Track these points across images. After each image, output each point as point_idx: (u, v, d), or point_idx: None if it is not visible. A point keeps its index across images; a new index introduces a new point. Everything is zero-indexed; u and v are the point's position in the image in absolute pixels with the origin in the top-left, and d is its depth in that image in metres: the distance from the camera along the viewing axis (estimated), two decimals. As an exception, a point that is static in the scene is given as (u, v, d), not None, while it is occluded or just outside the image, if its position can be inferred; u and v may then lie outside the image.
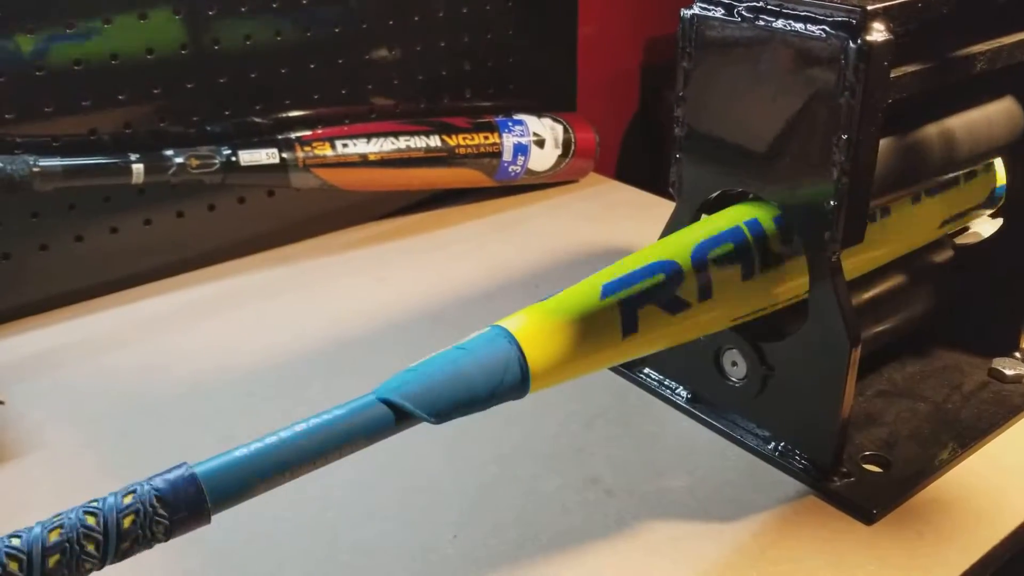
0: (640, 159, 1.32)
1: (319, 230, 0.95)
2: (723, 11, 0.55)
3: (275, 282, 0.87)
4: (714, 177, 0.59)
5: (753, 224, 0.55)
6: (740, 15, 0.54)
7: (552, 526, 0.57)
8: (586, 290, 0.50)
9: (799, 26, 0.51)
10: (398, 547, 0.55)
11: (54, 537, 0.37)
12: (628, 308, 0.50)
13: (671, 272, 0.52)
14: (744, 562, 0.54)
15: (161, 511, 0.39)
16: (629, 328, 0.50)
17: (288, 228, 0.93)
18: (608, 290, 0.50)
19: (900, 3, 0.51)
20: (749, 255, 0.55)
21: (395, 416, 0.44)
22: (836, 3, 0.50)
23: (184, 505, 0.39)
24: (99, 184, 0.78)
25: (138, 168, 0.78)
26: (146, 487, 0.39)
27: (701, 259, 0.53)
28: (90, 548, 0.38)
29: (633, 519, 0.57)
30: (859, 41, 0.49)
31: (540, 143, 1.01)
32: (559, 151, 1.03)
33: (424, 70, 0.98)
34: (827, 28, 0.50)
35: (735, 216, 0.56)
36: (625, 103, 1.32)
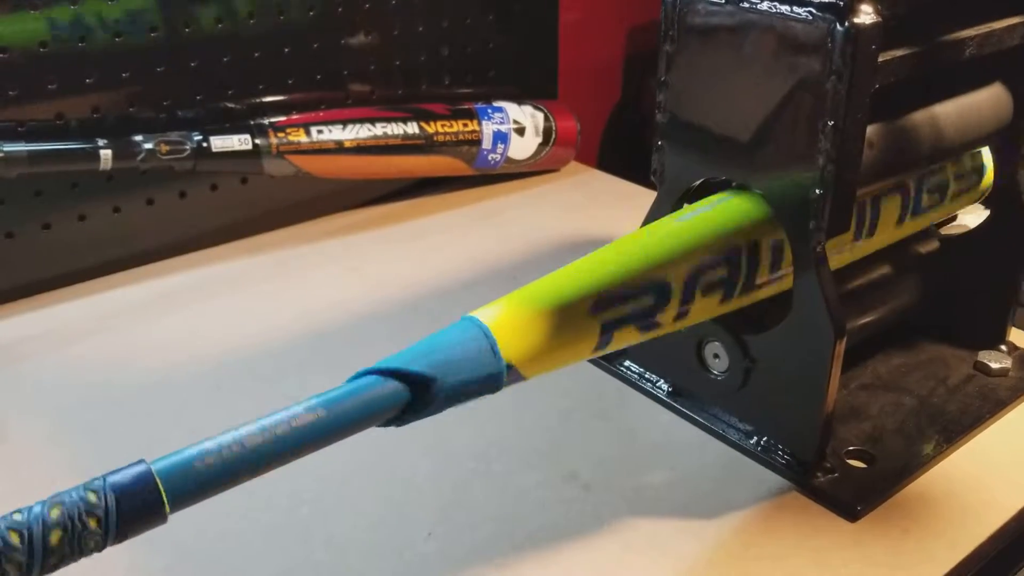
0: (622, 148, 1.31)
1: (293, 218, 0.93)
2: (707, -7, 0.54)
3: (248, 272, 0.85)
4: (697, 165, 0.58)
5: (752, 248, 0.54)
6: (724, -3, 0.53)
7: (529, 523, 0.55)
8: (576, 301, 0.48)
9: (784, 8, 0.50)
10: (372, 545, 0.54)
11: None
12: (608, 328, 0.49)
13: (660, 295, 0.50)
14: (725, 559, 0.53)
15: (115, 514, 0.37)
16: (603, 344, 0.49)
17: (261, 216, 0.91)
18: (599, 307, 0.48)
19: (888, -15, 0.49)
20: (734, 283, 0.53)
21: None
22: (823, -15, 0.48)
23: (140, 505, 0.37)
24: (66, 170, 0.76)
25: (106, 154, 0.75)
26: (101, 487, 0.37)
27: (692, 285, 0.51)
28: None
29: (612, 515, 0.56)
30: (846, 24, 0.48)
31: (520, 131, 1.00)
32: (539, 139, 1.01)
33: (402, 55, 0.96)
34: (813, 10, 0.49)
35: (739, 230, 0.54)
36: (608, 91, 1.30)
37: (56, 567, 0.36)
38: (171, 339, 0.74)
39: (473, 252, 0.88)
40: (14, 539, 0.35)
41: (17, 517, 0.36)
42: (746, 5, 0.52)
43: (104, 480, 0.38)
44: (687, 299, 0.51)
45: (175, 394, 0.67)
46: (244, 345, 0.73)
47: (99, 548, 0.37)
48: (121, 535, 0.37)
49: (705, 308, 0.53)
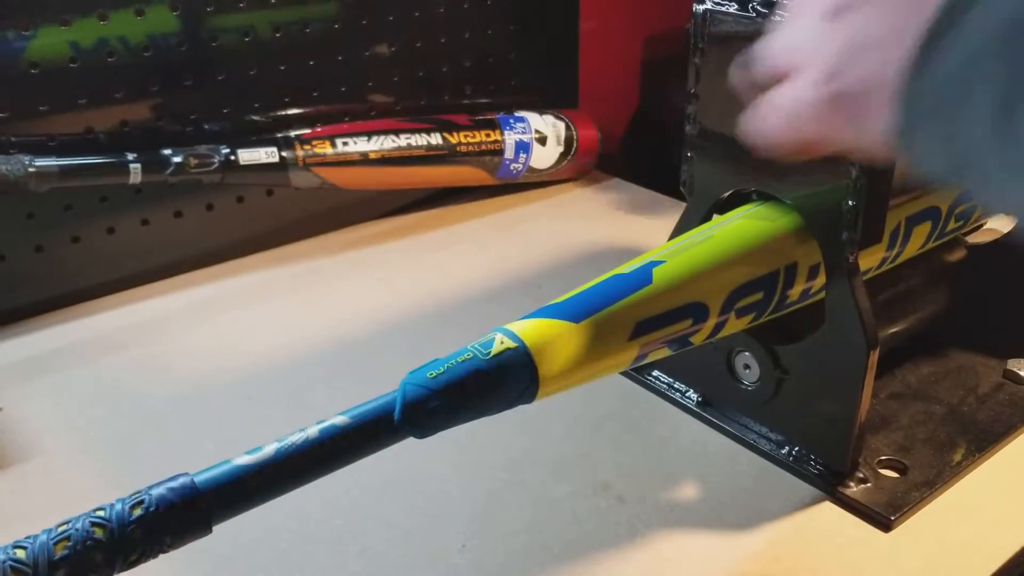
0: (643, 156, 1.31)
1: (319, 229, 0.94)
2: (737, 6, 0.54)
3: (275, 283, 0.86)
4: (727, 176, 0.58)
5: (789, 270, 0.54)
6: (755, 10, 0.53)
7: (563, 534, 0.55)
8: (617, 323, 0.48)
9: (816, 21, 0.50)
10: (406, 556, 0.54)
11: (60, 550, 0.36)
12: (645, 349, 0.49)
13: (698, 318, 0.50)
14: (758, 570, 0.53)
15: (163, 526, 0.37)
16: (638, 360, 0.50)
17: (288, 227, 0.92)
18: (639, 333, 0.48)
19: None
20: (769, 302, 0.53)
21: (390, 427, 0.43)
22: (855, -3, 0.49)
23: (185, 517, 0.38)
24: (96, 184, 0.77)
25: (136, 168, 0.76)
26: (149, 498, 0.38)
27: (728, 307, 0.51)
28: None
29: (645, 527, 0.56)
30: (879, 36, 0.48)
31: (542, 140, 1.00)
32: (561, 148, 1.02)
33: (425, 67, 0.97)
34: (846, 23, 0.49)
35: (777, 250, 0.54)
36: (627, 99, 1.30)
37: (135, 564, 0.38)
38: (201, 350, 0.75)
39: (497, 261, 0.89)
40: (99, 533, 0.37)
41: (101, 513, 0.37)
42: (775, 18, 0.52)
43: (147, 492, 0.39)
44: (722, 321, 0.52)
45: (207, 404, 0.68)
46: (274, 355, 0.74)
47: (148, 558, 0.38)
48: (167, 546, 0.38)
49: (735, 326, 0.53)
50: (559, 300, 0.48)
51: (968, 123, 0.27)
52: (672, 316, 0.49)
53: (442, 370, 0.43)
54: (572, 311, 0.47)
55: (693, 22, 0.56)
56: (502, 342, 0.45)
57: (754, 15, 0.53)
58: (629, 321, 0.48)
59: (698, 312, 0.50)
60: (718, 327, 0.51)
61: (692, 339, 0.51)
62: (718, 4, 0.55)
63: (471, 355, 0.44)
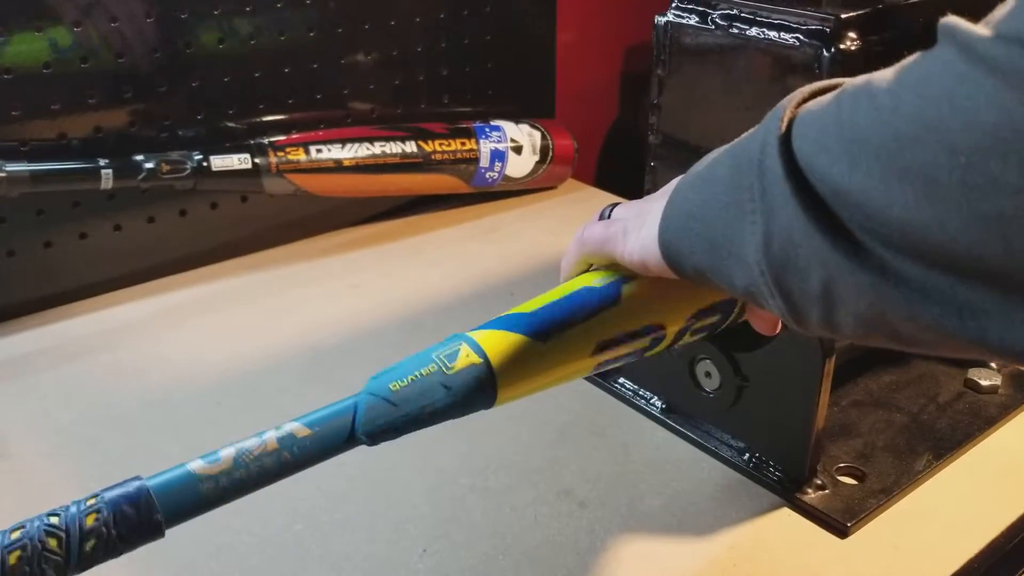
0: (619, 166, 1.32)
1: (293, 236, 0.94)
2: (697, 18, 0.55)
3: (248, 289, 0.86)
4: (689, 185, 0.59)
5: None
6: (714, 23, 0.54)
7: (524, 540, 0.56)
8: (581, 342, 0.48)
9: (773, 34, 0.51)
10: (367, 560, 0.54)
11: (13, 560, 0.36)
12: (603, 365, 0.49)
13: (655, 339, 0.50)
14: (716, 575, 0.53)
15: (113, 529, 0.38)
16: (595, 371, 0.49)
17: (261, 234, 0.92)
18: (600, 351, 0.48)
19: (874, 11, 0.50)
20: (721, 325, 0.53)
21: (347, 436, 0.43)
22: (810, 11, 0.49)
23: (136, 521, 0.38)
24: (68, 189, 0.77)
25: (107, 173, 0.76)
26: (97, 502, 0.38)
27: (686, 329, 0.51)
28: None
29: (606, 532, 0.56)
30: (832, 50, 0.49)
31: (518, 149, 1.01)
32: (537, 157, 1.02)
33: (401, 75, 0.97)
34: (801, 36, 0.50)
35: None
36: (605, 110, 1.31)
37: (88, 567, 0.38)
38: (172, 355, 0.75)
39: (471, 269, 0.89)
40: (52, 544, 0.37)
41: (55, 520, 0.37)
42: (736, 31, 0.53)
43: (101, 496, 0.39)
44: (677, 339, 0.51)
45: (176, 410, 0.68)
46: (244, 361, 0.74)
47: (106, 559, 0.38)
48: (119, 549, 0.38)
49: (688, 341, 0.53)
50: (526, 310, 0.48)
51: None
52: (633, 336, 0.49)
53: (405, 383, 0.43)
54: (538, 327, 0.47)
55: (655, 34, 0.57)
56: (468, 355, 0.45)
57: (713, 27, 0.54)
58: (593, 339, 0.48)
59: (657, 333, 0.50)
60: (672, 344, 0.52)
61: (647, 354, 0.51)
62: (679, 16, 0.55)
63: (435, 368, 0.44)
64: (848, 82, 0.35)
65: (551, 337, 0.47)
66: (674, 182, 0.46)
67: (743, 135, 0.40)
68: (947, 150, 0.29)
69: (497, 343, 0.45)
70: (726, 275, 0.40)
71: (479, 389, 0.44)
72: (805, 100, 0.37)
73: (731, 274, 0.39)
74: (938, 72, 0.30)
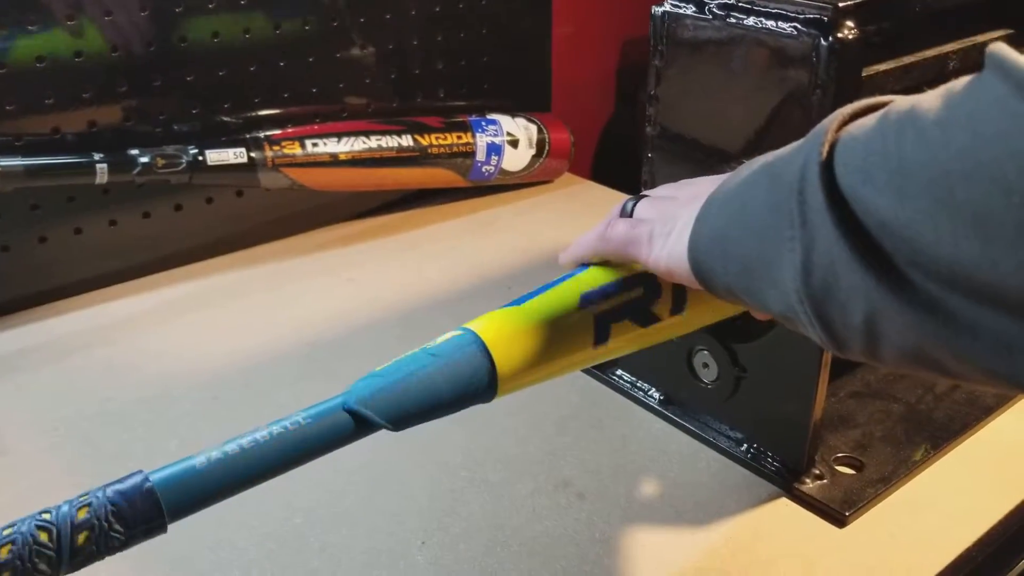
0: (616, 160, 1.32)
1: (289, 231, 0.94)
2: (694, 8, 0.55)
3: (244, 284, 0.86)
4: (687, 176, 0.59)
5: None
6: (711, 12, 0.54)
7: (522, 531, 0.56)
8: (564, 298, 0.48)
9: (770, 24, 0.51)
10: (366, 552, 0.54)
11: (4, 554, 0.36)
12: (603, 321, 0.49)
13: (650, 287, 0.50)
14: (715, 566, 0.53)
15: (117, 524, 0.38)
16: (601, 339, 0.49)
17: (257, 228, 0.92)
18: (587, 300, 0.48)
19: (872, 0, 0.50)
20: None
21: (355, 424, 0.43)
22: (807, 1, 0.49)
23: (140, 516, 0.38)
24: (63, 184, 0.77)
25: (102, 168, 0.76)
26: (101, 498, 0.38)
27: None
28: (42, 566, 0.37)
29: (604, 523, 0.56)
30: (830, 39, 0.48)
31: (514, 143, 1.01)
32: (533, 151, 1.02)
33: (397, 69, 0.97)
34: (798, 25, 0.50)
35: None
36: (601, 104, 1.31)
37: (81, 566, 0.37)
38: (168, 351, 0.75)
39: (467, 262, 0.89)
40: (43, 537, 0.36)
41: (47, 516, 0.37)
42: (733, 21, 0.53)
43: (103, 491, 0.39)
44: (679, 286, 0.51)
45: (172, 405, 0.68)
46: (241, 356, 0.74)
47: (104, 557, 0.38)
48: (123, 545, 0.38)
49: (701, 298, 0.51)
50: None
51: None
52: (622, 287, 0.49)
53: (389, 363, 0.44)
54: (518, 301, 0.48)
55: (652, 24, 0.57)
56: (450, 333, 0.45)
57: (711, 17, 0.54)
58: (576, 292, 0.48)
59: (648, 282, 0.49)
60: (678, 295, 0.50)
61: (656, 309, 0.50)
62: (675, 7, 0.55)
63: (419, 350, 0.44)
64: (891, 106, 0.34)
65: (530, 299, 0.47)
66: (701, 183, 0.45)
67: (780, 151, 0.39)
68: (1001, 189, 0.28)
69: (478, 320, 0.46)
70: (760, 298, 0.39)
71: (468, 352, 0.44)
72: (846, 122, 0.35)
73: (766, 298, 0.38)
74: (990, 109, 0.29)
